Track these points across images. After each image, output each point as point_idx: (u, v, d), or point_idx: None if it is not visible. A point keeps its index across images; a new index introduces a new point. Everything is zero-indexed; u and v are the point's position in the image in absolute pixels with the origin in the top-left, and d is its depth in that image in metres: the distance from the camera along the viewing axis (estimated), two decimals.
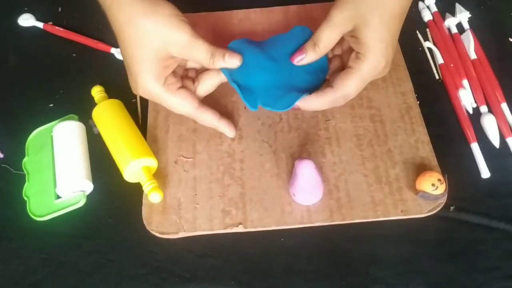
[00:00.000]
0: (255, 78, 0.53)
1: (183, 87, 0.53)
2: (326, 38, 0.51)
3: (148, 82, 0.50)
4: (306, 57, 0.52)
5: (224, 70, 0.53)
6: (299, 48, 0.53)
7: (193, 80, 0.55)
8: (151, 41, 0.49)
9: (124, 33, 0.50)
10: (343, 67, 0.54)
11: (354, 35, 0.50)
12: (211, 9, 0.69)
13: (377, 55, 0.50)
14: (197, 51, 0.50)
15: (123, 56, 0.52)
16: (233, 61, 0.52)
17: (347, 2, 0.49)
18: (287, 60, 0.53)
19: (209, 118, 0.55)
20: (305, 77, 0.54)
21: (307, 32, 0.54)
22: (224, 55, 0.51)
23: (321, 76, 0.54)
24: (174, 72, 0.52)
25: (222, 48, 0.52)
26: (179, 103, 0.52)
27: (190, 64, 0.55)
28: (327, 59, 0.55)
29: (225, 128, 0.56)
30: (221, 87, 0.61)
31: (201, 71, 0.55)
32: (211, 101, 0.61)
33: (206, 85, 0.54)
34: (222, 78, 0.54)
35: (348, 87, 0.51)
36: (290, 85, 0.53)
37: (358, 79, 0.51)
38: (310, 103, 0.52)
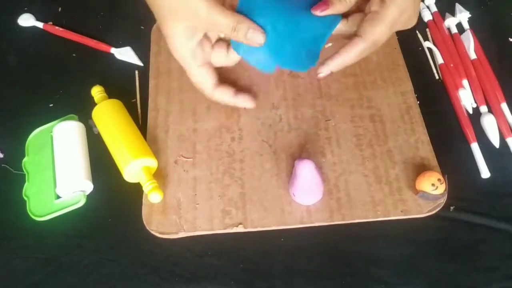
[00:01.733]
0: (267, 35, 0.49)
1: (206, 64, 0.53)
2: None
3: (179, 50, 0.51)
4: (332, 8, 0.49)
5: (232, 42, 0.51)
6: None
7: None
8: (174, 16, 0.49)
9: (153, 7, 0.50)
10: (358, 9, 0.52)
11: None
12: None
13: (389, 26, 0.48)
14: (219, 23, 0.48)
15: (160, 27, 0.52)
16: (256, 38, 0.49)
17: None
18: (300, 11, 0.50)
19: (224, 95, 0.55)
20: (317, 24, 0.50)
21: None
22: (248, 28, 0.48)
23: (334, 20, 0.51)
24: (204, 46, 0.52)
25: (247, 20, 0.49)
26: (198, 78, 0.53)
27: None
28: None
29: (243, 102, 0.56)
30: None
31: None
32: (211, 100, 0.61)
33: (219, 56, 0.54)
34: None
35: (377, 34, 0.49)
36: (306, 37, 0.50)
37: (387, 24, 0.49)
38: (341, 58, 0.50)
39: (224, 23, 0.48)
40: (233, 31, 0.49)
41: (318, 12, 0.50)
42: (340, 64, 0.51)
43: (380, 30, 0.49)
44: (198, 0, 0.47)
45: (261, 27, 0.49)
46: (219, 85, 0.55)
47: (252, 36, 0.49)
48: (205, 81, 0.54)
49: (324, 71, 0.52)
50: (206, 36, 0.52)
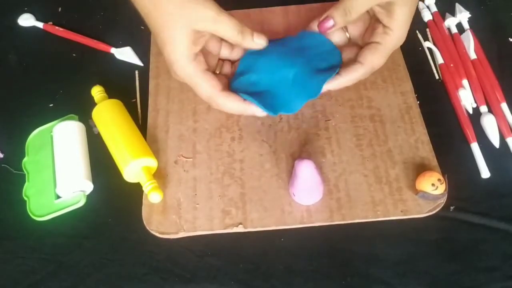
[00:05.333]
0: (265, 83, 0.54)
1: (209, 70, 0.53)
2: (361, 6, 0.52)
3: (180, 61, 0.50)
4: (334, 22, 0.53)
5: (237, 87, 0.54)
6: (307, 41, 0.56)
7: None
8: (179, 22, 0.49)
9: (150, 18, 0.50)
10: (357, 46, 0.56)
11: (387, 9, 0.52)
12: None
13: (403, 30, 0.53)
14: (225, 26, 0.50)
15: (156, 41, 0.52)
16: (260, 41, 0.53)
17: None
18: (300, 55, 0.55)
19: (233, 102, 0.53)
20: (320, 64, 0.55)
21: (316, 35, 0.56)
22: (252, 33, 0.52)
23: (335, 60, 0.56)
24: (204, 55, 0.53)
25: (249, 29, 0.52)
26: (205, 84, 0.52)
27: (223, 54, 0.56)
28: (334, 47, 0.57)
29: (251, 108, 0.54)
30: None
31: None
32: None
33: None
34: None
35: (376, 61, 0.54)
36: (308, 76, 0.54)
37: (386, 53, 0.54)
38: (341, 81, 0.54)
39: (232, 25, 0.50)
40: (239, 34, 0.51)
41: (324, 27, 0.54)
42: (340, 85, 0.54)
43: (379, 58, 0.54)
44: (207, 4, 0.49)
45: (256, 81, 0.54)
46: (227, 92, 0.53)
47: (258, 38, 0.53)
48: (213, 84, 0.52)
49: (323, 90, 0.54)
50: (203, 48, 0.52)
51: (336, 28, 0.54)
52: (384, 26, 0.53)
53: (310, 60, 0.55)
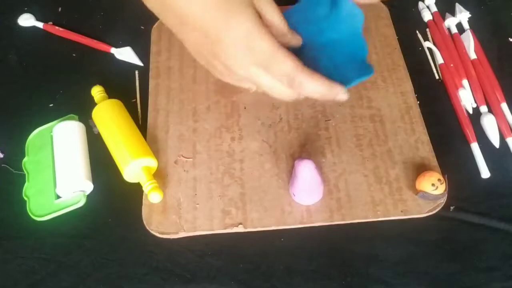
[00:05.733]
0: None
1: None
2: None
3: (257, 35, 0.44)
4: None
5: None
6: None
7: None
8: None
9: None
10: None
11: None
12: None
13: None
14: (274, 9, 0.46)
15: (206, 25, 0.45)
16: (297, 38, 0.49)
17: None
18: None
19: (317, 81, 0.46)
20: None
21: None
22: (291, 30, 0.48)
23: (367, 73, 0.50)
24: None
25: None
26: (288, 57, 0.45)
27: None
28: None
29: (337, 88, 0.47)
30: (222, 87, 0.62)
31: None
32: (211, 101, 0.61)
33: None
34: None
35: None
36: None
37: None
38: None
39: (279, 19, 0.47)
40: (283, 21, 0.47)
41: None
42: None
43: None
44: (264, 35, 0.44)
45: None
46: (309, 69, 0.45)
47: (294, 35, 0.49)
48: (296, 60, 0.45)
49: None
50: None
51: None
52: None
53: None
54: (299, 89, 0.45)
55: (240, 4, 0.44)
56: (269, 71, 0.45)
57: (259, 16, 0.45)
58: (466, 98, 0.61)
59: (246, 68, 0.45)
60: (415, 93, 0.61)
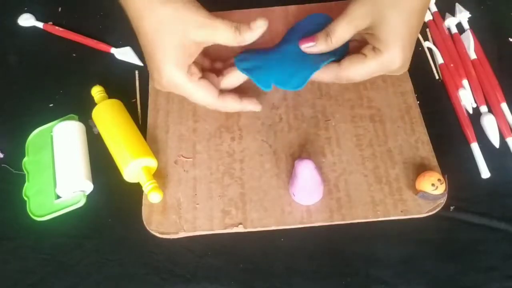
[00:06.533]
0: (267, 58, 0.54)
1: (203, 78, 0.52)
2: (341, 32, 0.50)
3: (171, 70, 0.49)
4: (316, 46, 0.52)
5: (236, 59, 0.53)
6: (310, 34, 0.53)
7: (218, 73, 0.55)
8: (173, 28, 0.48)
9: (143, 22, 0.49)
10: (360, 45, 0.53)
11: (371, 32, 0.50)
12: (211, 9, 0.69)
13: (393, 54, 0.50)
14: (220, 30, 0.49)
15: (143, 47, 0.51)
16: (260, 24, 0.50)
17: None
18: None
19: (230, 104, 0.54)
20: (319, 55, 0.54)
21: (326, 17, 0.54)
22: (248, 24, 0.50)
23: (338, 52, 0.54)
24: (196, 64, 0.52)
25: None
26: (200, 93, 0.52)
27: (217, 65, 0.56)
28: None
29: (249, 105, 0.55)
30: None
31: (226, 66, 0.56)
32: (217, 110, 0.61)
33: (231, 79, 0.55)
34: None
35: (353, 72, 0.51)
36: (303, 61, 0.53)
37: (367, 69, 0.51)
38: (317, 75, 0.53)
39: (226, 25, 0.49)
40: (236, 30, 0.49)
41: (303, 47, 0.53)
42: (317, 78, 0.53)
43: (357, 70, 0.51)
44: (200, 11, 0.48)
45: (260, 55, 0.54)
46: (223, 93, 0.54)
47: (254, 23, 0.50)
48: (209, 92, 0.52)
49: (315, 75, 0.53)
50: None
51: (317, 51, 0.52)
52: (374, 46, 0.51)
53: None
54: (218, 110, 0.54)
55: None
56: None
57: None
58: (466, 98, 0.61)
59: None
60: (415, 93, 0.61)
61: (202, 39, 0.49)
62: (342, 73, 0.52)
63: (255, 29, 0.50)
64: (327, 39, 0.51)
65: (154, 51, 0.49)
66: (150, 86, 0.62)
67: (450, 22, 0.68)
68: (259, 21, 0.50)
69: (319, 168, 0.54)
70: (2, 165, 0.58)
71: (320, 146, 0.57)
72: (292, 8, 0.69)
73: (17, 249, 0.52)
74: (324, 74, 0.53)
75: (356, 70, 0.52)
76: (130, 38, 0.68)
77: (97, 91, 0.61)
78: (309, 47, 0.52)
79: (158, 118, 0.60)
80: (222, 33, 0.49)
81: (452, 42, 0.66)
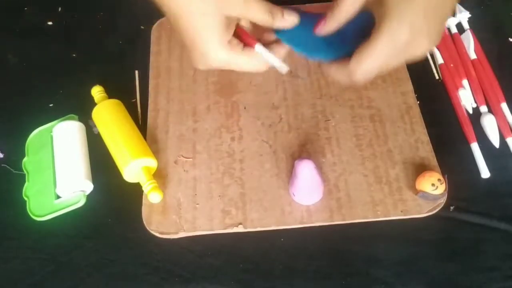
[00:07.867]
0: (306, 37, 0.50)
1: (245, 45, 0.51)
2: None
3: (215, 48, 0.49)
4: (326, 26, 0.49)
5: (278, 34, 0.51)
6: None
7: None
8: (210, 7, 0.47)
9: (183, 8, 0.47)
10: None
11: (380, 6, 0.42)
12: None
13: (398, 17, 0.41)
14: (255, 10, 0.49)
15: (182, 31, 0.49)
16: (291, 18, 0.50)
17: None
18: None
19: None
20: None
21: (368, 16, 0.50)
22: (282, 11, 0.49)
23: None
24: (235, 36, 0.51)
25: (279, 6, 0.50)
26: (248, 61, 0.50)
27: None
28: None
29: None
30: (222, 87, 0.62)
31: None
32: (211, 101, 0.61)
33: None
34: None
35: (365, 61, 0.44)
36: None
37: (378, 53, 0.43)
38: (329, 70, 0.48)
39: (261, 6, 0.48)
40: (269, 14, 0.49)
41: (317, 32, 0.49)
42: (328, 73, 0.49)
43: (367, 61, 0.44)
44: None
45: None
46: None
47: (288, 15, 0.49)
48: (256, 58, 0.50)
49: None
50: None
51: (329, 29, 0.49)
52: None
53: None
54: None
55: None
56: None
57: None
58: (466, 98, 0.61)
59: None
60: (415, 93, 0.61)
61: (236, 14, 0.49)
62: (354, 67, 0.44)
63: (287, 20, 0.50)
64: (333, 10, 0.47)
65: (197, 34, 0.48)
66: (150, 86, 0.62)
67: (450, 22, 0.68)
68: (292, 15, 0.50)
69: (319, 168, 0.54)
70: (2, 165, 0.58)
71: (320, 146, 0.57)
72: (292, 8, 0.68)
73: (17, 249, 0.52)
74: (337, 74, 0.48)
75: (367, 57, 0.43)
76: (130, 38, 0.68)
77: (97, 91, 0.61)
78: (322, 29, 0.49)
79: (158, 118, 0.60)
80: (256, 12, 0.49)
81: (452, 42, 0.66)
